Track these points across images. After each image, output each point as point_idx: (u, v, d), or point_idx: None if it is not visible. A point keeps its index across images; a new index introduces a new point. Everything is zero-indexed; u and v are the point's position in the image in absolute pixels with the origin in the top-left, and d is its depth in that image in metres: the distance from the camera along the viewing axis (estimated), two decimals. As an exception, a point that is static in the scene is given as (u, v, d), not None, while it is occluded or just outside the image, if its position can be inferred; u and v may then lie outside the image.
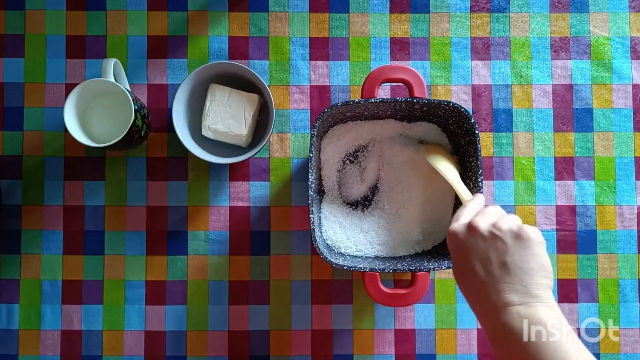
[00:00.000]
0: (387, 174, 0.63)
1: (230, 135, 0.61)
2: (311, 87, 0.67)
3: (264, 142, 0.60)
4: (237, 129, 0.61)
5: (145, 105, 0.65)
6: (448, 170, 0.57)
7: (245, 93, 0.62)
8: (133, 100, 0.58)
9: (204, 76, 0.62)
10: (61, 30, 0.67)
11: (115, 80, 0.59)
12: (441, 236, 0.63)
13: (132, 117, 0.57)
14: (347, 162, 0.64)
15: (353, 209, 0.64)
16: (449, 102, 0.56)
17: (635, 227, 0.66)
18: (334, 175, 0.64)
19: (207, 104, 0.61)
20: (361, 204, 0.64)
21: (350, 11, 0.68)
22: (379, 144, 0.64)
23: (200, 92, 0.63)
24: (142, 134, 0.62)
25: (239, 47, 0.67)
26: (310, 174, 0.55)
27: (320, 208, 0.63)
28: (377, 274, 0.55)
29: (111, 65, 0.58)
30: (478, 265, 0.40)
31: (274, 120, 0.60)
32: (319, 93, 0.67)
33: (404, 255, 0.62)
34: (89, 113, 0.61)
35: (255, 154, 0.61)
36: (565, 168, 0.67)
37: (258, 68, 0.67)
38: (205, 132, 0.62)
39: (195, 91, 0.63)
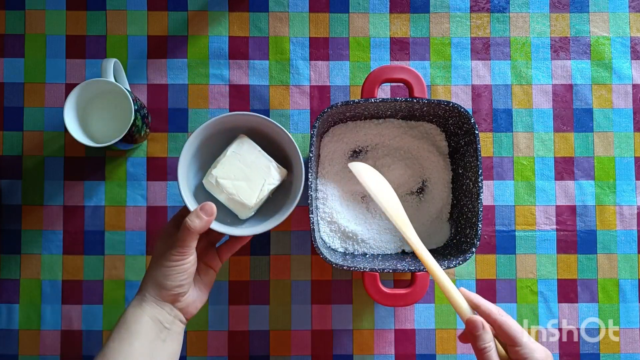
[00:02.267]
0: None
1: (235, 200, 0.52)
2: (311, 87, 0.67)
3: (276, 222, 0.51)
4: (246, 197, 0.52)
5: (145, 105, 0.65)
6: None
7: (276, 163, 0.53)
8: (133, 100, 0.58)
9: (225, 125, 0.53)
10: (61, 30, 0.67)
11: (115, 80, 0.59)
12: (439, 238, 0.63)
13: (132, 117, 0.57)
14: (347, 161, 0.64)
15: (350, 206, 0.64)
16: (449, 102, 0.56)
17: (635, 227, 0.66)
18: (334, 174, 0.64)
19: (227, 152, 0.52)
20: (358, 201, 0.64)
21: (350, 11, 0.68)
22: (379, 146, 0.64)
23: (215, 141, 0.55)
24: (142, 133, 0.62)
25: (239, 47, 0.67)
26: (310, 174, 0.55)
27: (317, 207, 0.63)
28: (377, 274, 0.55)
29: (111, 65, 0.58)
30: None
31: (297, 201, 0.52)
32: (319, 93, 0.67)
33: (393, 254, 0.62)
34: (89, 113, 0.61)
35: (256, 234, 0.52)
36: (565, 168, 0.67)
37: (258, 68, 0.67)
38: (207, 183, 0.53)
39: (213, 138, 0.54)
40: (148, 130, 0.63)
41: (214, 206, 0.49)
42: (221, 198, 0.53)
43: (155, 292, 0.47)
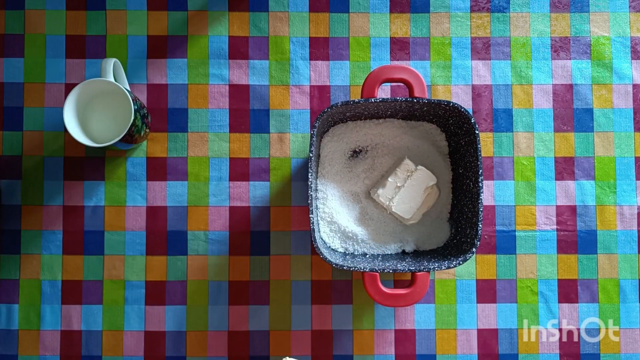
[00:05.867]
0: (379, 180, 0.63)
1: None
2: (311, 87, 0.67)
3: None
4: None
5: (145, 105, 0.65)
6: None
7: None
8: (133, 100, 0.58)
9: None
10: (61, 30, 0.67)
11: (115, 80, 0.59)
12: (439, 238, 0.63)
13: (132, 117, 0.57)
14: (347, 161, 0.64)
15: (349, 206, 0.64)
16: (449, 102, 0.56)
17: (635, 227, 0.66)
18: (334, 174, 0.64)
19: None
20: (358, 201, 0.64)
21: (350, 11, 0.68)
22: (379, 146, 0.64)
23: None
24: (142, 133, 0.62)
25: (238, 47, 0.67)
26: (310, 174, 0.55)
27: (317, 206, 0.63)
28: (377, 274, 0.55)
29: (111, 65, 0.58)
30: None
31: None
32: (319, 93, 0.67)
33: (393, 254, 0.62)
34: (89, 113, 0.61)
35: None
36: (565, 168, 0.67)
37: (258, 68, 0.67)
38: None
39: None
40: (148, 130, 0.63)
41: None
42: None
43: None
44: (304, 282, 0.65)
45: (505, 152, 0.67)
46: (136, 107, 0.58)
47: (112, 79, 0.58)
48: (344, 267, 0.55)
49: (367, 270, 0.55)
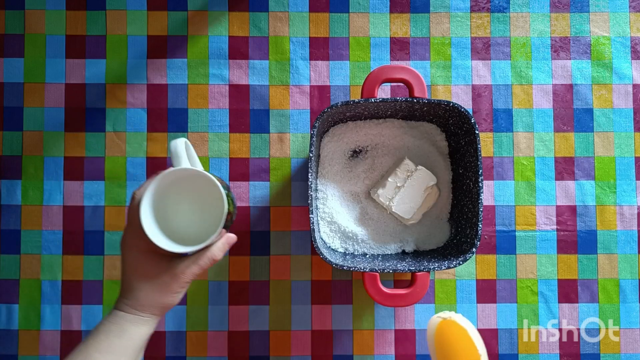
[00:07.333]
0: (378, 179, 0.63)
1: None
2: (311, 87, 0.67)
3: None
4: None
5: (229, 185, 0.59)
6: None
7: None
8: (221, 184, 0.46)
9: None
10: (61, 30, 0.67)
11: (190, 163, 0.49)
12: (439, 238, 0.63)
13: (226, 206, 0.46)
14: (347, 161, 0.64)
15: (349, 206, 0.64)
16: (449, 102, 0.56)
17: (635, 227, 0.66)
18: (334, 174, 0.64)
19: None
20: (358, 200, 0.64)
21: (350, 11, 0.68)
22: (379, 146, 0.64)
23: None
24: (233, 218, 0.51)
25: (238, 47, 0.67)
26: (310, 174, 0.55)
27: (317, 206, 0.63)
28: (377, 274, 0.55)
29: (182, 147, 0.47)
30: None
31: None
32: (319, 93, 0.67)
33: (393, 254, 0.62)
34: (167, 207, 0.49)
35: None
36: (565, 168, 0.67)
37: (258, 68, 0.67)
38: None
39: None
40: (236, 212, 0.54)
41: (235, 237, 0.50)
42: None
43: (154, 312, 0.45)
44: (304, 282, 0.65)
45: (505, 152, 0.67)
46: (226, 192, 0.46)
47: (188, 164, 0.47)
48: (344, 267, 0.55)
49: (367, 270, 0.55)
